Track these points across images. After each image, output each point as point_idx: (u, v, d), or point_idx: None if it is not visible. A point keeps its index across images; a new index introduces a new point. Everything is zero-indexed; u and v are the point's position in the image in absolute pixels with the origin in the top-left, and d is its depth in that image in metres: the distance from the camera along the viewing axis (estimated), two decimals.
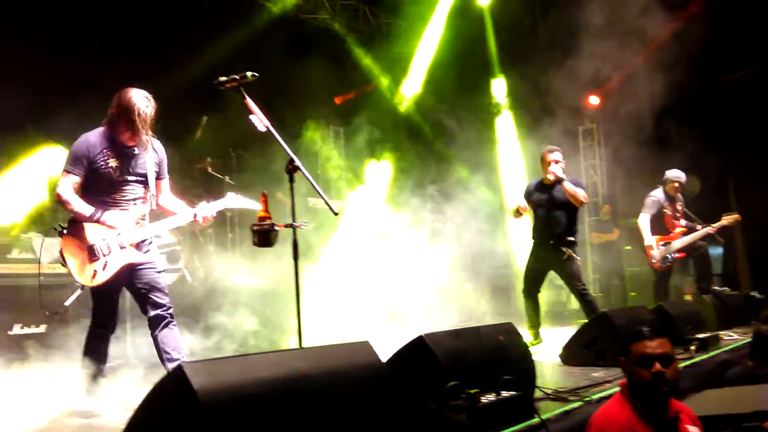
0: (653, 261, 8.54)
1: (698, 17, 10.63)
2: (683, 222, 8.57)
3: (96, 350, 4.70)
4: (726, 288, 8.75)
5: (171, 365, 4.46)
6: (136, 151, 4.73)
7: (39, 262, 6.26)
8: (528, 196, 7.50)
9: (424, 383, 3.57)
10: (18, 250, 6.20)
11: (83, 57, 8.10)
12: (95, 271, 4.52)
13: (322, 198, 4.53)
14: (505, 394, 3.65)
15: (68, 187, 4.57)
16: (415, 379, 3.62)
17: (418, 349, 3.73)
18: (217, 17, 10.15)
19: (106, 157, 4.59)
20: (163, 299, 4.67)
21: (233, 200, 4.95)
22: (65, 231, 4.60)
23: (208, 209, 4.83)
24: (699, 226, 8.52)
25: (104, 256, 4.53)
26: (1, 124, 6.94)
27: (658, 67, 11.62)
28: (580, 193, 7.15)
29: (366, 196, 10.92)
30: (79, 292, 6.21)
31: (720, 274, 11.40)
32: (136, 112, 4.56)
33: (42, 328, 6.05)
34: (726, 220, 8.44)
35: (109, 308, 4.72)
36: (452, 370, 3.60)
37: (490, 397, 3.58)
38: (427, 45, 12.52)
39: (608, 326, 5.77)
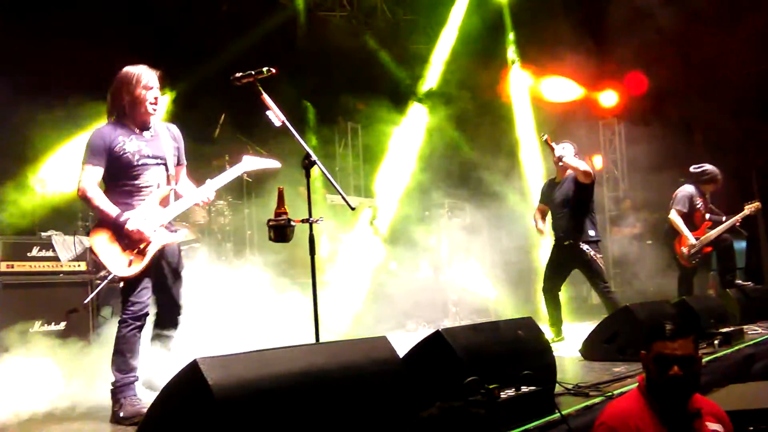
0: (683, 257, 8.37)
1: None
2: (708, 216, 8.42)
3: (132, 348, 4.40)
4: (750, 282, 8.63)
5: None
6: (151, 134, 4.63)
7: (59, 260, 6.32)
8: (544, 197, 7.51)
9: (442, 379, 3.54)
10: (38, 248, 6.23)
11: (101, 54, 8.11)
12: (131, 259, 4.34)
13: (340, 193, 4.53)
14: (524, 389, 3.62)
15: (91, 180, 4.39)
16: (433, 375, 3.58)
17: (435, 343, 3.69)
18: (234, 15, 10.16)
19: (122, 143, 4.46)
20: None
21: (250, 163, 4.85)
22: (93, 226, 4.46)
23: (214, 184, 4.73)
24: (723, 218, 8.36)
25: (139, 242, 4.37)
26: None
27: (679, 61, 11.51)
28: (581, 165, 7.08)
29: (383, 192, 10.90)
30: (99, 288, 6.27)
31: (743, 268, 11.23)
32: (134, 80, 4.51)
33: (62, 326, 6.08)
34: (748, 209, 8.28)
35: (146, 298, 4.46)
36: (471, 365, 3.55)
37: (509, 393, 3.55)
38: (446, 41, 12.47)
39: (630, 320, 5.72)
